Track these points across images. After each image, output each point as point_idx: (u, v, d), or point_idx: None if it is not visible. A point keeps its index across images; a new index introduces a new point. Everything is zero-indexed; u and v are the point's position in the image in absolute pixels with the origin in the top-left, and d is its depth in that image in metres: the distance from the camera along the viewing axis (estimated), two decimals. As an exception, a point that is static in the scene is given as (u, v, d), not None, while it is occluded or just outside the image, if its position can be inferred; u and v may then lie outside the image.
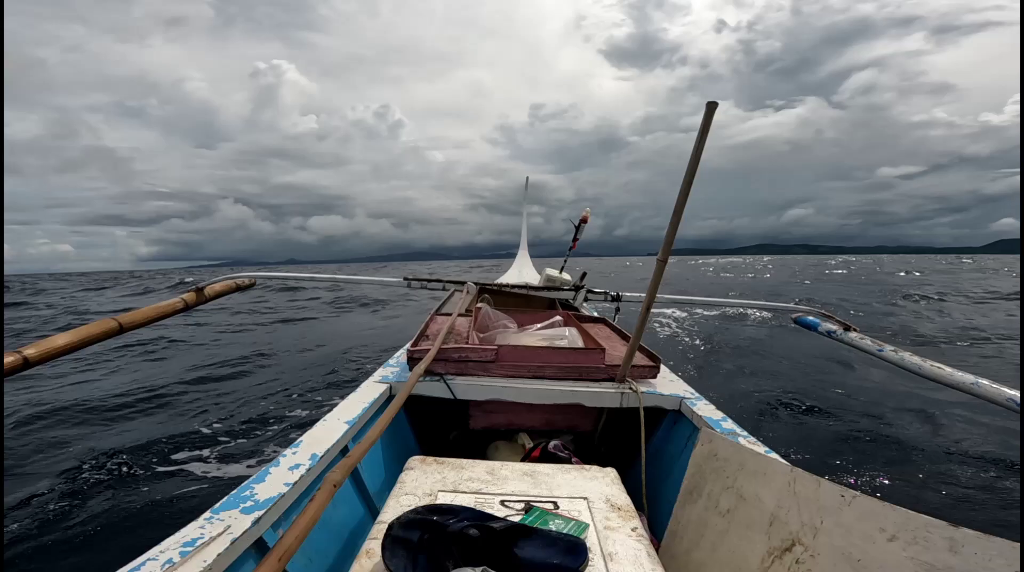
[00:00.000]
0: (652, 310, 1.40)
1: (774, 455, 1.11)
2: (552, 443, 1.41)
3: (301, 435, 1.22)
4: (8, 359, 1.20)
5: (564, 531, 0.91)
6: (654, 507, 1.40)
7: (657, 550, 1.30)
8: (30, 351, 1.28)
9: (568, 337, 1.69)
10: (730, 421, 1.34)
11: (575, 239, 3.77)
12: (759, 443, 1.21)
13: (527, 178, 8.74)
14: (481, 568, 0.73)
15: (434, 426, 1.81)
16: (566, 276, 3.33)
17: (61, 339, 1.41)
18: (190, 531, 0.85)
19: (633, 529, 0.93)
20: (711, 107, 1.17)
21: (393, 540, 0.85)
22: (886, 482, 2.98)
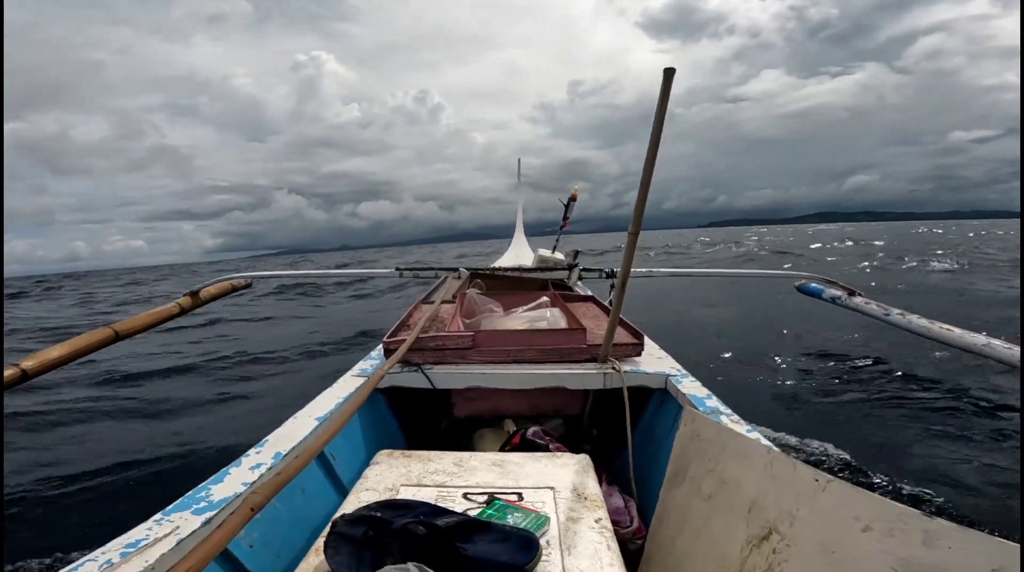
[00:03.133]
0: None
1: (756, 434, 1.02)
2: (531, 430, 1.35)
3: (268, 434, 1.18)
4: (7, 372, 1.19)
5: (522, 525, 0.85)
6: (644, 491, 1.33)
7: (644, 536, 1.23)
8: (28, 363, 1.27)
9: (549, 318, 1.62)
10: (715, 399, 1.25)
11: (565, 218, 3.67)
12: (741, 421, 1.13)
13: (519, 159, 8.75)
14: (412, 563, 0.68)
15: (422, 418, 1.77)
16: (559, 255, 3.24)
17: (56, 351, 1.39)
18: (136, 532, 0.82)
19: (597, 520, 0.86)
20: (668, 74, 1.10)
21: (337, 537, 0.81)
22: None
